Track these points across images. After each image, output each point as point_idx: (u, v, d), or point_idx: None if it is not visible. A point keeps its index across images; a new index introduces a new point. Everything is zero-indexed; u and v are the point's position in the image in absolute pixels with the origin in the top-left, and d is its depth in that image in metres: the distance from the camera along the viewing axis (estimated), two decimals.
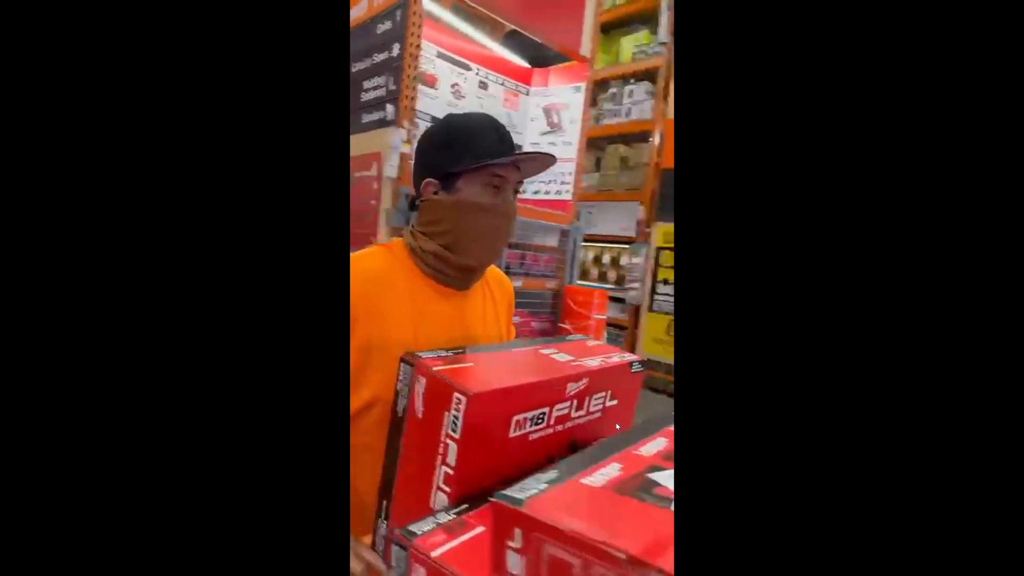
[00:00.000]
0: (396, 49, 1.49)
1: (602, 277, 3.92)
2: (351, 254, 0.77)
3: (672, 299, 3.26)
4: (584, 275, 4.02)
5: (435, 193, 0.79)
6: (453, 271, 0.81)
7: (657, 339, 3.21)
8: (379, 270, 0.78)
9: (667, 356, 3.13)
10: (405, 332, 0.76)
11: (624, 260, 3.66)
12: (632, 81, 3.52)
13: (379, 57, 1.57)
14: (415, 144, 0.85)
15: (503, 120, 0.82)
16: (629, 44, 3.54)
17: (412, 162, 0.83)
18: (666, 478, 0.49)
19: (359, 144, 1.57)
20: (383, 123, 1.51)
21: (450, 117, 0.84)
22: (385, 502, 0.67)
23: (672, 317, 3.27)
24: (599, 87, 3.69)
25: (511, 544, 0.43)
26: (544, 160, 0.81)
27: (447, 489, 0.60)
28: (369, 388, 0.74)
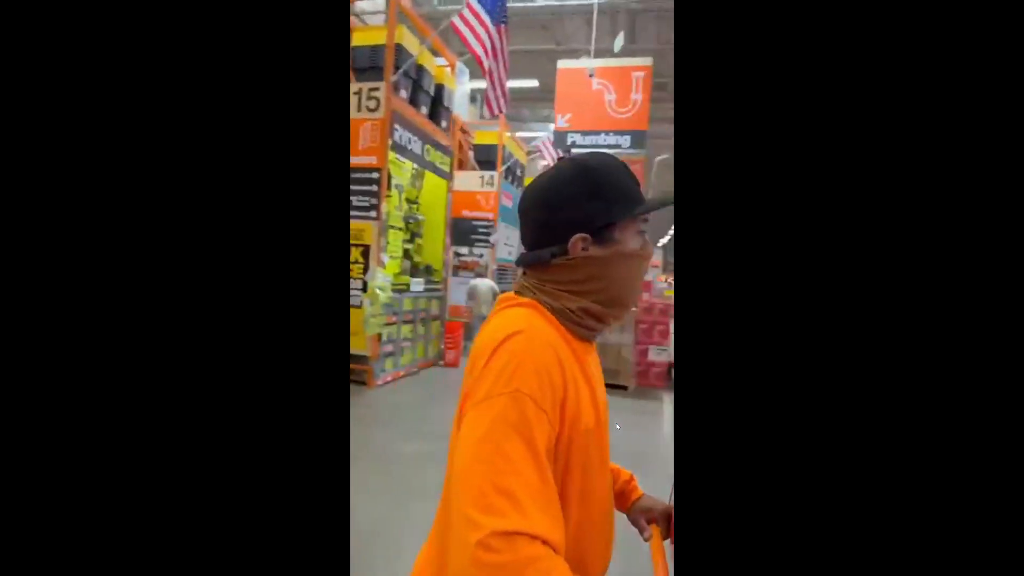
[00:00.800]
0: None
1: None
2: (515, 324, 0.66)
3: (356, 295, 3.88)
4: None
5: (584, 248, 0.70)
6: (600, 325, 0.74)
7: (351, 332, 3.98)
8: (557, 340, 0.67)
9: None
10: (588, 403, 0.68)
11: None
12: None
13: None
14: (531, 198, 0.75)
15: None
16: None
17: (529, 219, 0.74)
18: None
19: None
20: None
21: (580, 162, 0.73)
22: None
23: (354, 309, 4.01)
24: None
25: None
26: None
27: None
28: (572, 477, 0.65)
